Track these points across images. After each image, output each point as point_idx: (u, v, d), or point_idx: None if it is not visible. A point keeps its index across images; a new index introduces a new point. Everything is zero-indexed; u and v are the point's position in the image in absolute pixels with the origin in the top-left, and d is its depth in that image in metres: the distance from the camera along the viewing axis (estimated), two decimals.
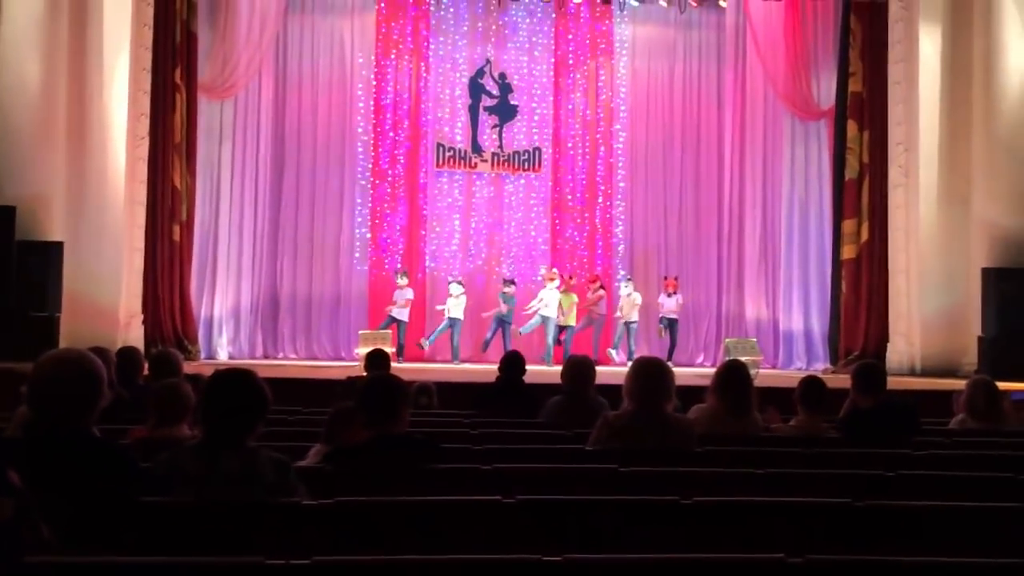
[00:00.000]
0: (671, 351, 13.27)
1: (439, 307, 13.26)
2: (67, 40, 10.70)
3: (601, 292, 13.44)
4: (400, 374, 4.11)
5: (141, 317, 11.54)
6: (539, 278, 13.55)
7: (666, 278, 13.65)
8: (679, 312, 13.46)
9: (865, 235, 12.80)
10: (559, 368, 5.97)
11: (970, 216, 11.63)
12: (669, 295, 13.40)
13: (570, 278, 13.59)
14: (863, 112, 12.85)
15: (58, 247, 10.46)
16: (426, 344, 13.09)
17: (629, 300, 13.30)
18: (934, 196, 11.85)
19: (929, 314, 11.74)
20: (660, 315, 13.46)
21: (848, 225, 12.95)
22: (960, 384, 6.49)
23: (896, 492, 3.58)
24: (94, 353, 3.01)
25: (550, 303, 13.08)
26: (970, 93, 11.65)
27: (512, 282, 13.39)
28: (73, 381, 2.82)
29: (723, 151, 14.46)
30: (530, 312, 13.25)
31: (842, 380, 6.72)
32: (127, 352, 5.77)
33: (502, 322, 13.08)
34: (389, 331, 12.31)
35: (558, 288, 13.20)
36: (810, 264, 14.04)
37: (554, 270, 13.52)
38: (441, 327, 13.18)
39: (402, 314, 13.01)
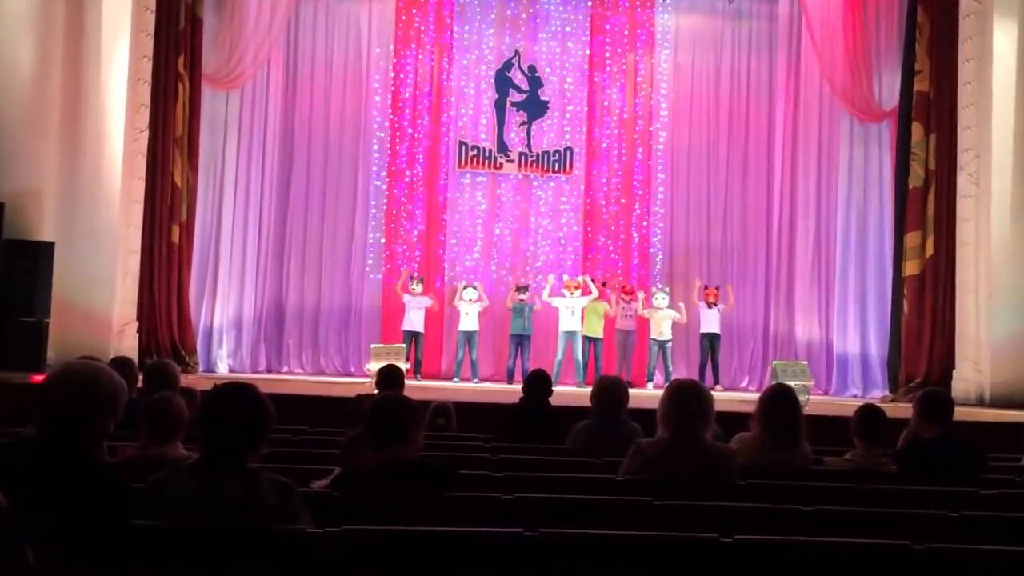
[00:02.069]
0: (713, 372, 13.21)
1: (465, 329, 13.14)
2: (63, 24, 10.85)
3: (635, 305, 13.41)
4: (416, 393, 4.13)
5: (136, 325, 11.65)
6: (564, 291, 13.38)
7: (706, 287, 13.62)
8: (719, 326, 13.39)
9: (930, 249, 12.69)
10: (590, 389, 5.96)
11: None
12: (709, 306, 13.36)
13: (603, 284, 13.54)
14: (930, 114, 12.76)
15: (48, 247, 10.58)
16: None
17: (663, 314, 13.22)
18: (1007, 207, 11.72)
19: (1001, 338, 11.60)
20: (700, 331, 13.41)
21: (911, 238, 12.84)
22: None
23: (960, 534, 3.54)
24: (115, 364, 3.06)
25: (567, 315, 12.99)
26: None
27: (525, 288, 13.28)
28: (74, 397, 2.87)
29: (774, 155, 14.41)
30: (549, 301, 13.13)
31: (902, 410, 6.67)
32: (120, 363, 5.82)
33: (520, 339, 13.05)
34: (403, 345, 12.35)
35: (583, 295, 13.14)
36: (868, 280, 13.95)
37: (579, 278, 13.45)
38: (460, 349, 13.14)
39: (418, 324, 13.03)
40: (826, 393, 13.51)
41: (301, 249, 13.99)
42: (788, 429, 4.80)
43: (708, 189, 14.50)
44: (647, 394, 11.29)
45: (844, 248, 14.07)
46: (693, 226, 14.48)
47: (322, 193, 14.07)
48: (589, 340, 13.15)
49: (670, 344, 13.28)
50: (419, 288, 13.22)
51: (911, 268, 12.86)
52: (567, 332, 13.07)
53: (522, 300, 13.12)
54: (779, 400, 4.89)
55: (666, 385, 4.83)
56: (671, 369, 13.17)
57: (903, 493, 4.34)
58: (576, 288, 13.20)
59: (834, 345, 13.96)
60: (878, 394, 13.05)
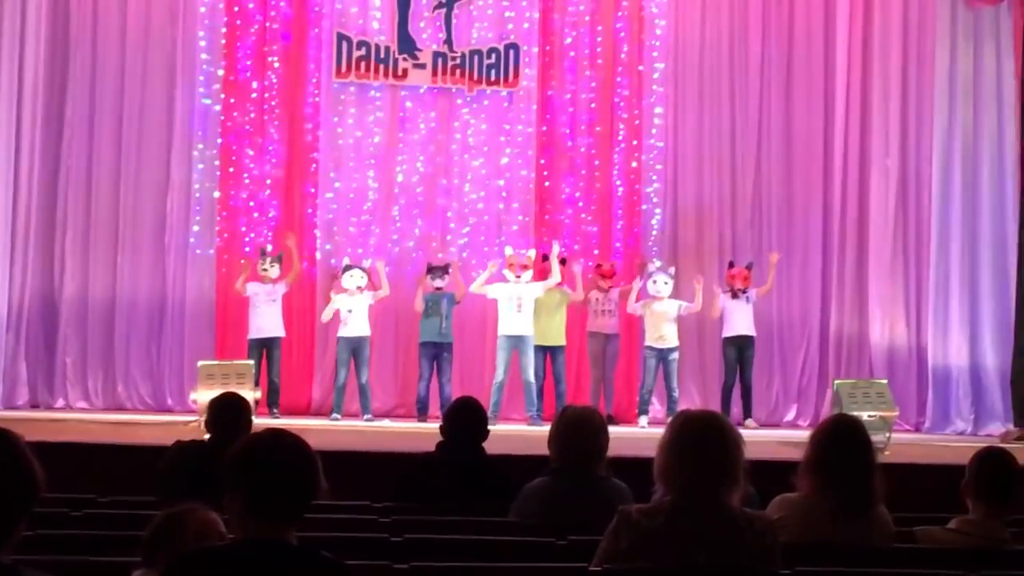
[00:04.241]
0: (744, 397, 13.31)
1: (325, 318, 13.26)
2: None
3: (616, 294, 13.43)
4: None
5: None
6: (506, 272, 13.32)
7: (731, 265, 13.72)
8: (753, 326, 13.53)
9: None
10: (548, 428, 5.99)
11: None
12: (735, 295, 13.44)
13: (563, 261, 13.46)
14: None
15: None
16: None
17: (664, 308, 13.29)
18: None
19: None
20: (723, 334, 13.50)
21: None
22: None
23: None
24: None
25: (511, 311, 13.01)
26: None
27: (444, 271, 13.28)
28: None
29: (834, 57, 14.53)
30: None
31: None
32: None
33: (436, 350, 13.07)
34: (250, 362, 12.26)
35: (537, 279, 13.15)
36: (980, 256, 14.15)
37: (526, 253, 13.36)
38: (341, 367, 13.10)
39: (271, 328, 13.02)
40: (917, 429, 13.74)
41: (83, 212, 13.84)
42: (857, 486, 4.85)
43: (733, 111, 14.59)
44: (639, 435, 11.34)
45: (943, 204, 14.23)
46: (709, 170, 14.56)
47: (116, 121, 13.92)
48: (546, 350, 13.20)
49: (676, 355, 13.34)
50: (274, 270, 13.12)
51: None
52: (511, 337, 13.06)
53: (439, 289, 13.07)
54: (843, 441, 4.93)
55: (669, 420, 4.86)
56: (676, 395, 13.26)
57: None
58: (525, 267, 13.17)
59: (929, 355, 14.14)
60: (997, 429, 13.28)
